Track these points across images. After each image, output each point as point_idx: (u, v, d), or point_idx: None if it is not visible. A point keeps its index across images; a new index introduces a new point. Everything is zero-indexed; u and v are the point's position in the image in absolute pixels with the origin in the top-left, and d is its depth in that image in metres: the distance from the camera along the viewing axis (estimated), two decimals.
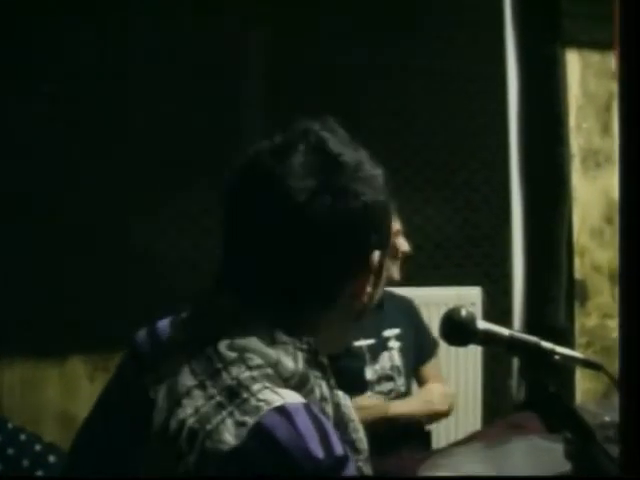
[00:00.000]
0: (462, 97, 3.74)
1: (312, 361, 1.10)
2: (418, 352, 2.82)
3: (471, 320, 1.33)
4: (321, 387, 1.09)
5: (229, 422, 0.97)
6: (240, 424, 0.96)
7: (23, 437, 2.81)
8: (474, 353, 3.59)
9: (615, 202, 3.78)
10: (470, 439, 2.66)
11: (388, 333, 2.73)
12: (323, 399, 1.09)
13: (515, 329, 3.75)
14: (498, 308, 3.74)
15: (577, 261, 3.76)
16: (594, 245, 3.79)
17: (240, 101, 3.33)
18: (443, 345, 3.45)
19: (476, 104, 3.75)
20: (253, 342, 1.06)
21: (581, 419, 1.27)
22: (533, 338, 1.33)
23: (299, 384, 1.05)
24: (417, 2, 3.67)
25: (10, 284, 3.07)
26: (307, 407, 0.99)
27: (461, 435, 3.51)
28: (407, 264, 2.80)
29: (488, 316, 3.66)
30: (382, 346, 2.70)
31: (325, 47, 3.51)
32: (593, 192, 3.81)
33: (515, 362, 3.72)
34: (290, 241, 1.08)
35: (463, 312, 1.34)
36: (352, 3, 3.55)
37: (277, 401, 0.98)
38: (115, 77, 3.21)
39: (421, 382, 2.83)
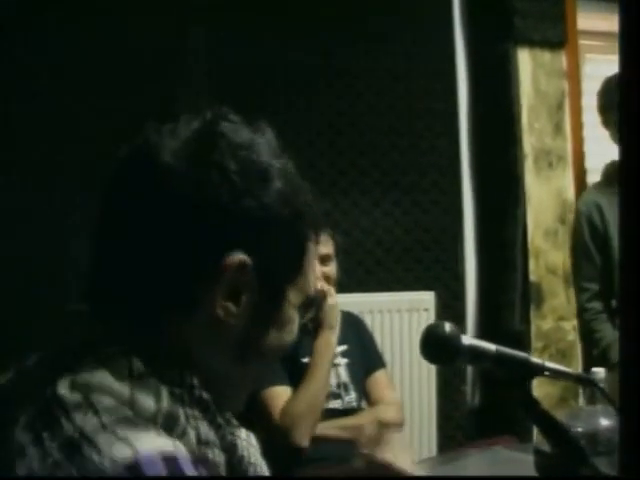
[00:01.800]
0: (410, 97, 3.67)
1: (185, 397, 0.91)
2: (365, 365, 2.79)
3: (455, 336, 1.22)
4: (198, 429, 0.91)
5: None
6: None
7: None
8: None
9: (569, 202, 3.75)
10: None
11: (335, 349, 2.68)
12: (203, 443, 0.90)
13: (469, 334, 3.71)
14: (451, 313, 3.68)
15: (531, 263, 3.72)
16: (548, 246, 3.74)
17: (182, 103, 3.22)
18: (396, 351, 3.44)
19: (425, 104, 3.68)
20: (101, 377, 0.87)
21: (571, 436, 1.19)
22: (522, 354, 1.24)
23: (167, 425, 0.87)
24: (363, 0, 3.60)
25: None
26: (170, 459, 0.81)
27: (415, 442, 3.47)
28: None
29: (442, 321, 3.58)
30: None
31: (268, 46, 3.42)
32: (546, 192, 3.76)
33: (469, 368, 3.68)
34: (126, 238, 0.93)
35: (447, 327, 1.22)
36: (295, 2, 3.47)
37: (126, 456, 0.80)
38: (52, 80, 3.08)
39: (369, 394, 2.78)
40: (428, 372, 3.53)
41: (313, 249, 1.03)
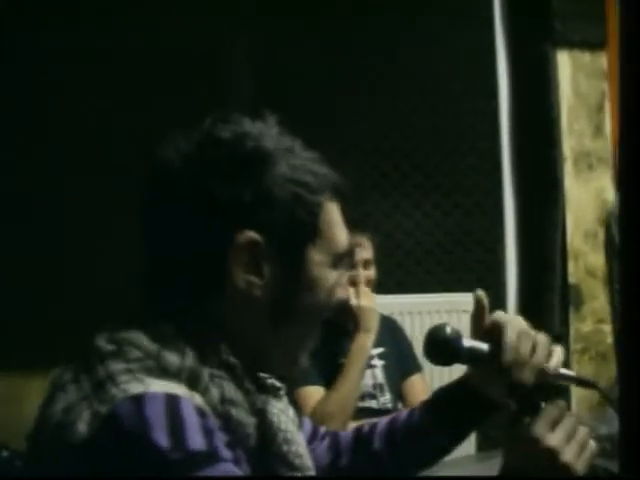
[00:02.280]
0: (451, 99, 3.68)
1: (213, 360, 1.03)
2: (401, 368, 2.82)
3: (456, 337, 1.25)
4: (223, 387, 1.02)
5: (86, 413, 0.93)
6: (95, 414, 0.93)
7: (5, 454, 2.77)
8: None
9: (609, 204, 3.73)
10: None
11: (371, 352, 2.71)
12: (227, 401, 1.01)
13: None
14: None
15: (571, 265, 3.70)
16: (588, 248, 3.73)
17: (228, 103, 3.27)
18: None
19: (466, 106, 3.70)
20: (135, 336, 1.02)
21: None
22: None
23: (190, 380, 0.99)
24: (405, 2, 3.62)
25: None
26: (171, 397, 0.93)
27: None
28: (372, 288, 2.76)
29: None
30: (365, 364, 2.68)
31: (313, 49, 3.47)
32: (586, 194, 3.75)
33: None
34: (155, 222, 1.08)
35: (448, 329, 1.25)
36: (340, 4, 3.51)
37: (137, 391, 0.93)
38: (101, 79, 3.16)
39: (406, 397, 2.82)
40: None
41: (332, 208, 1.11)
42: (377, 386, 2.75)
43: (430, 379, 3.18)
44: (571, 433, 1.08)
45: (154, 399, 0.92)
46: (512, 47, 3.79)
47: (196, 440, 0.90)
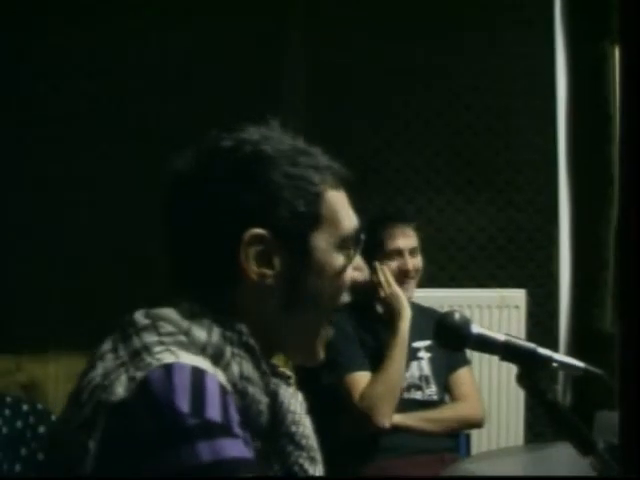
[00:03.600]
0: (508, 96, 3.69)
1: (234, 339, 1.11)
2: (449, 362, 2.87)
3: (464, 324, 1.30)
4: (242, 365, 1.10)
5: (123, 377, 1.02)
6: (131, 379, 1.01)
7: None
8: None
9: None
10: None
11: (418, 344, 2.79)
12: (245, 378, 1.09)
13: (561, 333, 3.70)
14: (543, 311, 3.69)
15: None
16: None
17: (281, 102, 3.32)
18: None
19: (523, 102, 3.70)
20: (168, 312, 1.12)
21: (580, 427, 1.24)
22: (530, 344, 1.30)
23: (214, 356, 1.08)
24: (464, 1, 3.63)
25: (56, 280, 3.11)
26: (198, 370, 1.02)
27: (503, 440, 3.48)
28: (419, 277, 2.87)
29: (533, 319, 3.62)
30: (411, 356, 2.76)
31: (366, 47, 3.49)
32: None
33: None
34: (173, 226, 1.19)
35: (456, 316, 1.31)
36: (392, 3, 3.53)
37: (169, 359, 1.02)
38: (149, 77, 3.23)
39: (452, 391, 2.87)
40: (517, 369, 3.52)
41: (335, 196, 1.20)
42: (423, 378, 2.80)
43: (478, 374, 3.21)
44: None
45: (182, 369, 1.01)
46: (571, 44, 3.77)
47: (214, 412, 0.98)
